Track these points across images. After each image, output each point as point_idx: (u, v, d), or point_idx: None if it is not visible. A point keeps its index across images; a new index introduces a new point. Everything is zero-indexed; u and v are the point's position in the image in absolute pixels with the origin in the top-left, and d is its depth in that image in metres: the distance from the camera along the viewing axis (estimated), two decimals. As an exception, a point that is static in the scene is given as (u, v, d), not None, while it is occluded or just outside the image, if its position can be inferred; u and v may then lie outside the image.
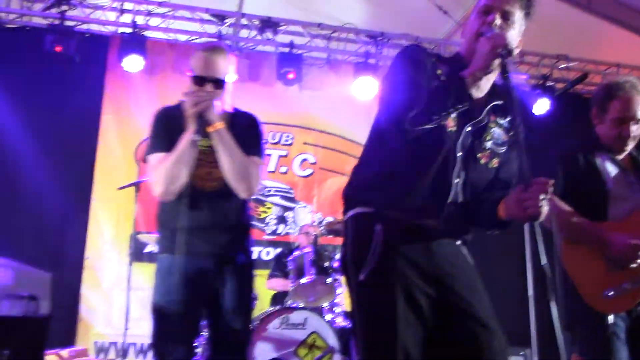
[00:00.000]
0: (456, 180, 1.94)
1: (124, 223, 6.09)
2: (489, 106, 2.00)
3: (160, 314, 2.59)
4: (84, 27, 6.37)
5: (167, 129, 2.64)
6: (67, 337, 5.74)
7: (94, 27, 6.45)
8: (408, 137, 1.86)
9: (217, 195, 2.63)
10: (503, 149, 2.04)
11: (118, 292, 5.91)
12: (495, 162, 2.03)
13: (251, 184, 2.61)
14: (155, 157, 2.63)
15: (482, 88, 1.95)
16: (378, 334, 1.82)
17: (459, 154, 1.94)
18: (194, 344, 2.65)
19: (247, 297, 2.70)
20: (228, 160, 2.56)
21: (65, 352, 5.00)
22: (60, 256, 5.91)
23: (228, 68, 2.69)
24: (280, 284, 5.46)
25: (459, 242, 2.01)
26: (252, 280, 2.76)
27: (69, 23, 6.12)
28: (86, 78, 6.36)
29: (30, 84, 6.12)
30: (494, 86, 2.02)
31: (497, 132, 2.03)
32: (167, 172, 2.54)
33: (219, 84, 2.64)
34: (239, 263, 2.67)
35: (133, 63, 6.15)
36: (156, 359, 2.56)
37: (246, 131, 2.71)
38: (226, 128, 2.60)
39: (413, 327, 1.80)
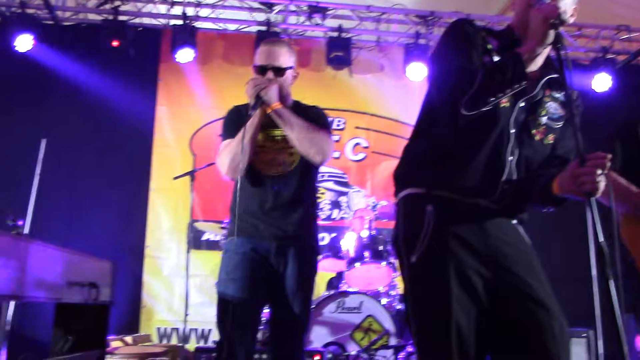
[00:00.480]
0: (510, 158, 1.88)
1: (181, 212, 6.23)
2: (544, 80, 1.92)
3: (224, 294, 2.63)
4: (137, 21, 6.52)
5: (236, 121, 2.77)
6: (131, 323, 5.92)
7: (146, 21, 6.59)
8: (463, 120, 1.81)
9: (282, 180, 2.74)
10: (559, 124, 1.96)
11: (178, 280, 6.06)
12: (550, 138, 1.95)
13: (322, 147, 2.70)
14: (224, 143, 2.78)
15: (536, 62, 1.87)
16: (431, 315, 1.80)
17: (512, 131, 1.88)
18: (257, 325, 2.71)
19: (308, 282, 2.75)
20: (293, 129, 2.66)
21: (129, 338, 5.16)
22: (123, 246, 6.08)
23: (289, 59, 2.82)
24: (332, 265, 5.47)
25: (514, 222, 1.95)
26: (314, 264, 2.82)
27: (122, 18, 6.27)
28: (141, 71, 6.51)
29: (88, 79, 6.30)
30: (548, 59, 1.94)
31: (552, 106, 1.95)
32: (231, 150, 2.67)
33: (279, 71, 2.76)
34: (302, 247, 2.73)
35: (184, 54, 6.27)
36: (221, 338, 2.59)
37: (311, 119, 2.79)
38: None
39: (467, 307, 1.76)
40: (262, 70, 2.76)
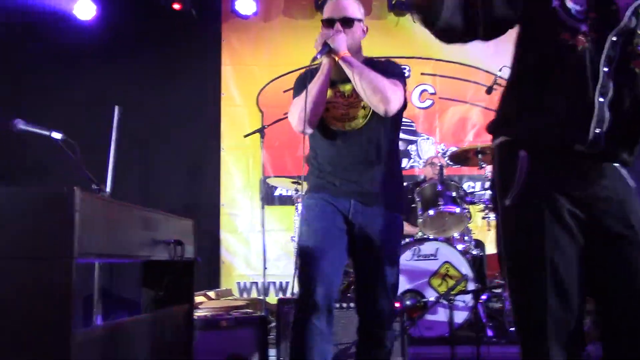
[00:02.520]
0: (600, 100, 1.78)
1: (252, 169, 6.35)
2: (633, 6, 1.79)
3: (305, 246, 2.63)
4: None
5: (307, 80, 2.72)
6: (213, 279, 6.15)
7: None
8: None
9: (355, 136, 2.70)
10: None
11: (254, 235, 6.22)
12: None
13: (387, 95, 2.60)
14: (294, 100, 2.78)
15: None
16: (525, 255, 1.78)
17: (605, 69, 1.76)
18: (338, 277, 2.66)
19: (391, 241, 2.71)
20: (361, 83, 2.61)
21: (212, 293, 5.34)
22: (198, 205, 6.27)
23: (358, 11, 2.78)
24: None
25: (616, 164, 1.87)
26: (397, 224, 2.77)
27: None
28: (204, 32, 6.56)
29: (151, 43, 6.40)
30: None
31: None
32: (300, 103, 2.64)
33: (347, 23, 2.72)
34: (382, 205, 2.68)
35: (245, 5, 6.29)
36: (300, 290, 2.60)
37: (382, 70, 2.72)
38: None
39: (563, 247, 1.73)
40: (330, 23, 2.72)
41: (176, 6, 6.18)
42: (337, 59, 2.65)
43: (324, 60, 2.67)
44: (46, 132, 2.99)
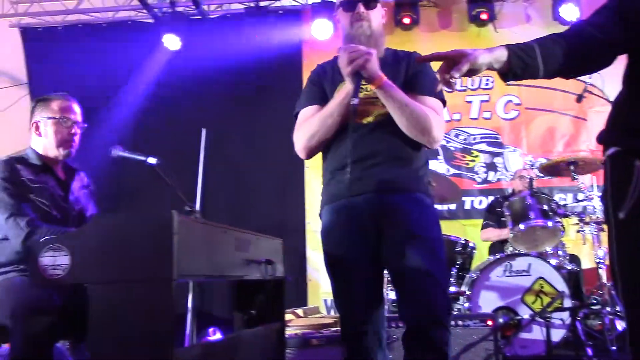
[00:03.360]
0: None
1: (336, 186, 6.37)
2: None
3: (333, 271, 2.37)
4: (277, 4, 6.69)
5: (318, 84, 2.48)
6: (300, 297, 6.19)
7: (286, 3, 6.73)
8: None
9: (377, 128, 2.35)
10: None
11: (339, 252, 6.21)
12: None
13: (434, 135, 2.29)
14: (302, 113, 2.47)
15: None
16: None
17: None
18: (377, 295, 2.36)
19: (425, 234, 2.28)
20: (402, 117, 2.27)
21: (300, 311, 5.38)
22: (284, 223, 6.35)
23: None
24: (496, 234, 5.33)
25: None
26: (429, 215, 2.36)
27: (263, 3, 6.46)
28: (285, 54, 6.68)
29: (234, 68, 6.55)
30: None
31: None
32: (310, 128, 2.38)
33: (369, 4, 2.40)
34: (408, 200, 2.31)
35: (323, 30, 6.37)
36: (341, 315, 2.37)
37: (411, 71, 2.41)
38: (388, 75, 2.30)
39: None
40: (349, 5, 2.40)
41: (258, 29, 6.35)
42: (373, 88, 2.28)
43: (347, 84, 2.28)
44: (142, 158, 3.11)
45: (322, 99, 2.42)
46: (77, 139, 2.86)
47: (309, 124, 2.39)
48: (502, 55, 1.73)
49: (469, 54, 1.71)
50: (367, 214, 2.29)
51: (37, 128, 2.82)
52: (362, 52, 2.23)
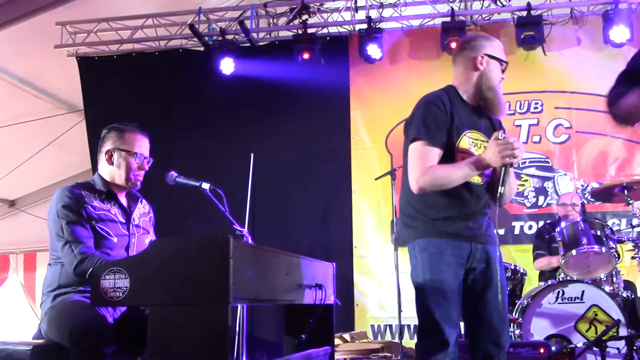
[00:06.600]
0: None
1: (384, 210, 6.37)
2: None
3: (431, 294, 2.64)
4: (325, 31, 6.80)
5: (443, 121, 2.65)
6: (347, 321, 6.16)
7: (333, 29, 6.83)
8: None
9: (481, 186, 2.71)
10: None
11: (387, 277, 6.18)
12: None
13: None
14: (425, 150, 2.63)
15: None
16: None
17: None
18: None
19: (500, 267, 2.65)
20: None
21: (347, 335, 5.38)
22: (331, 247, 6.36)
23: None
24: (545, 262, 5.24)
25: None
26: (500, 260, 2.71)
27: (311, 30, 6.57)
28: (333, 79, 6.75)
29: (283, 92, 6.69)
30: None
31: None
32: (437, 180, 2.59)
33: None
34: (494, 246, 2.68)
35: (372, 55, 6.43)
36: (431, 340, 2.63)
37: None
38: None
39: None
40: (504, 64, 2.80)
41: (305, 55, 6.45)
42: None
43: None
44: (196, 183, 3.18)
45: (442, 138, 2.64)
46: (144, 173, 2.94)
47: (436, 175, 2.59)
48: None
49: None
50: (467, 259, 2.67)
51: (110, 157, 2.87)
52: (509, 146, 2.49)
